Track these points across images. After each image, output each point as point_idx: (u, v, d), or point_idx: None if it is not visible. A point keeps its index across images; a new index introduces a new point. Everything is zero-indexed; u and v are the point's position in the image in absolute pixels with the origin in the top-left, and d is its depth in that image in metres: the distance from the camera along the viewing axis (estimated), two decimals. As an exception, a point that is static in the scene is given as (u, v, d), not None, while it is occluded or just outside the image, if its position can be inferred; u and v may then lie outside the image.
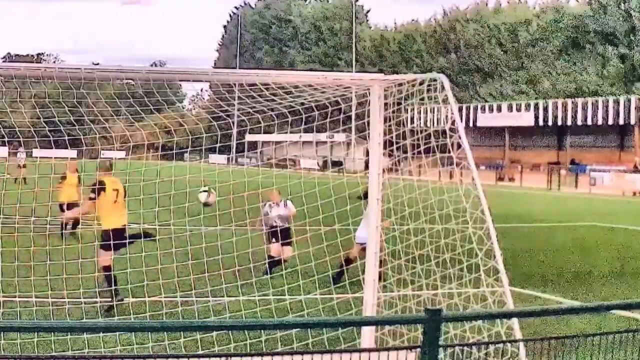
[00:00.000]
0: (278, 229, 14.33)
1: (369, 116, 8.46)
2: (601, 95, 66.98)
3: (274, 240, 14.28)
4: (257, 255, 11.69)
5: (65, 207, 18.04)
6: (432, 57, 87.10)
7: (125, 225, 11.40)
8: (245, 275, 10.75)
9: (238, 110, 9.28)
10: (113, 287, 10.96)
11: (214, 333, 8.58)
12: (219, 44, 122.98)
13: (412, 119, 9.12)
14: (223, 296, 10.32)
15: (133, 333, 8.31)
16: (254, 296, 10.39)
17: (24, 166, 32.38)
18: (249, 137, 68.37)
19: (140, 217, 11.20)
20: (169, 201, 10.77)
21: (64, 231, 17.07)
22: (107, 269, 11.08)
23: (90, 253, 11.11)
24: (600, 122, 64.84)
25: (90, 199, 11.47)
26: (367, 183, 8.57)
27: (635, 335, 5.16)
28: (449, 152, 7.97)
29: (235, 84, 8.39)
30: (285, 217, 14.52)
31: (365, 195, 9.16)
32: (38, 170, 11.86)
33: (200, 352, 8.17)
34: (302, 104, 8.73)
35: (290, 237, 14.25)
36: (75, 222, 18.17)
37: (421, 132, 8.51)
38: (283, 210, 14.45)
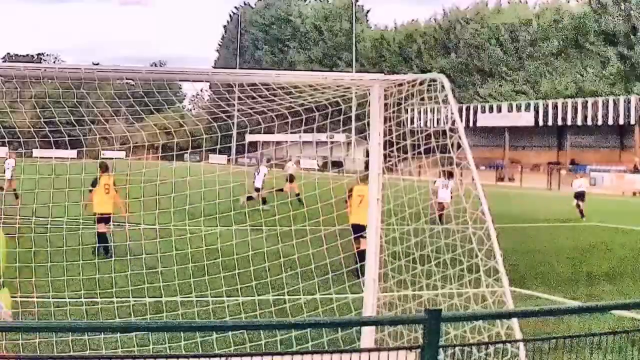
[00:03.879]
0: None
1: (369, 116, 8.46)
2: (601, 95, 66.99)
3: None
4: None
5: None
6: (432, 57, 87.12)
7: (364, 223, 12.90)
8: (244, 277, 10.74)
9: (238, 110, 9.28)
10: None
11: (214, 334, 8.58)
12: (219, 44, 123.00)
13: (412, 119, 9.12)
14: (223, 297, 10.31)
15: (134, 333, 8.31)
16: (254, 297, 10.38)
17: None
18: (249, 138, 68.33)
19: (140, 218, 11.21)
20: (170, 203, 10.77)
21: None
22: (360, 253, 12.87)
23: (89, 255, 11.09)
24: (600, 122, 64.87)
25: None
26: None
27: (635, 335, 5.16)
28: (449, 152, 7.96)
29: (235, 84, 8.39)
30: None
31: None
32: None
33: (200, 352, 8.17)
34: (302, 104, 8.73)
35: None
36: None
37: (421, 132, 8.50)
38: None
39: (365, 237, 13.42)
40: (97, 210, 15.85)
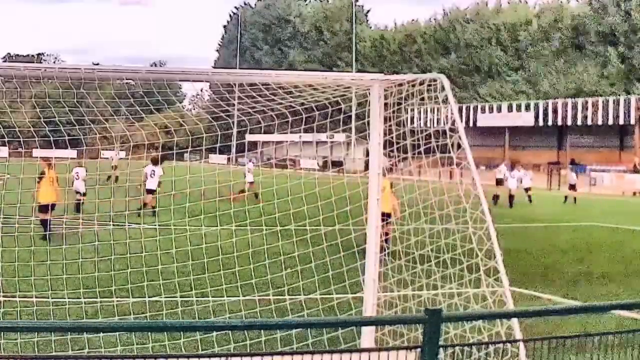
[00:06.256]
0: None
1: (369, 116, 8.46)
2: (601, 95, 67.01)
3: None
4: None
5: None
6: (432, 57, 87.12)
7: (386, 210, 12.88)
8: (245, 275, 10.74)
9: (238, 110, 9.28)
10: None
11: (214, 333, 8.58)
12: (219, 44, 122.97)
13: (412, 119, 9.11)
14: (223, 296, 10.31)
15: (133, 333, 8.31)
16: (254, 296, 10.38)
17: (115, 167, 32.39)
18: (249, 137, 68.32)
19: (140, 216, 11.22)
20: (169, 201, 10.77)
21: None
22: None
23: (90, 253, 11.11)
24: (600, 122, 64.91)
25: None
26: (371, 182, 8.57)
27: (635, 335, 5.16)
28: (449, 152, 7.96)
29: (235, 84, 8.39)
30: None
31: None
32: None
33: (200, 352, 8.17)
34: (302, 104, 8.73)
35: None
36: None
37: (421, 132, 8.50)
38: None
39: (389, 223, 14.02)
40: (43, 200, 17.91)
